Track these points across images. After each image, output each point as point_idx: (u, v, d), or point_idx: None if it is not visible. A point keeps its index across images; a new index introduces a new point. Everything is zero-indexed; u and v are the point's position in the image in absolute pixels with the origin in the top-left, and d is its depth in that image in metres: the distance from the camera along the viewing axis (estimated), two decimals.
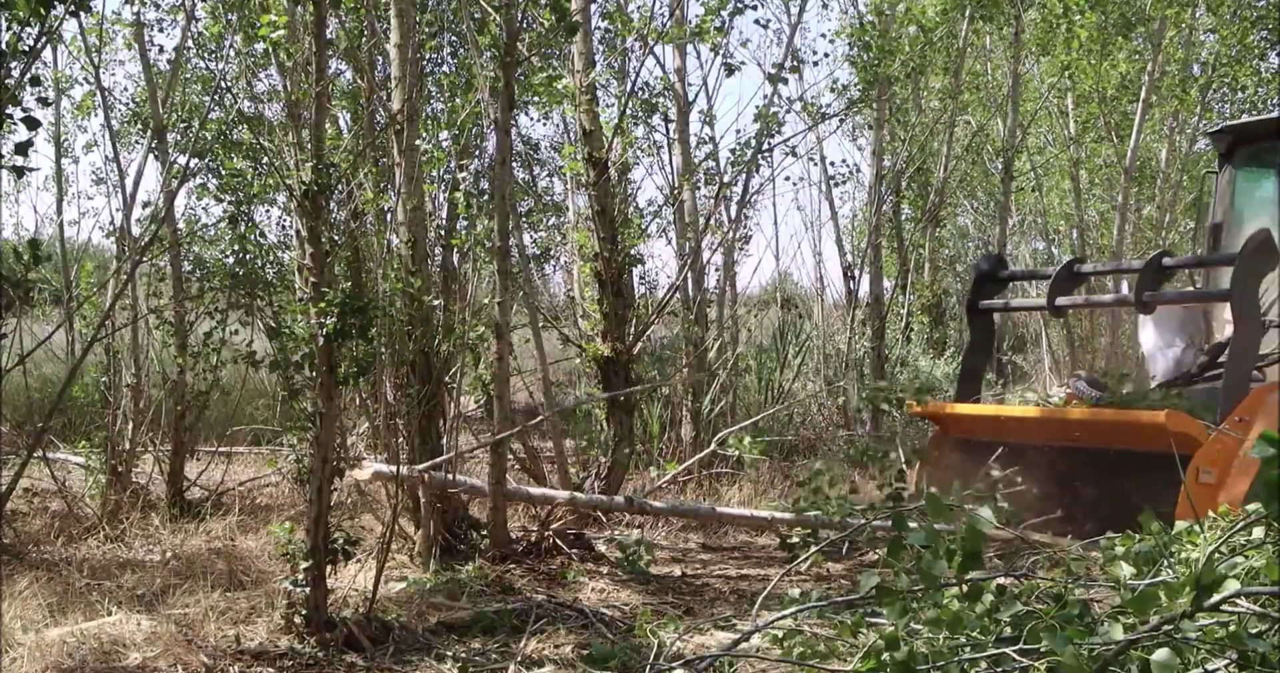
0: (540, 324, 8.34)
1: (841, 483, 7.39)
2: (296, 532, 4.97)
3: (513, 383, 7.15)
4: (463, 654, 4.75)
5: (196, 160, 8.16)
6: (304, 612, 4.78)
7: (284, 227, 9.41)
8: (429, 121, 7.74)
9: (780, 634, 3.81)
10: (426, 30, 7.58)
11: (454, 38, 8.65)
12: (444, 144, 7.10)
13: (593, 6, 8.61)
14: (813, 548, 5.95)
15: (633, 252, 8.14)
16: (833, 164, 18.07)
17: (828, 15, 30.04)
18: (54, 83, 10.45)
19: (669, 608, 5.71)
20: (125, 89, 10.97)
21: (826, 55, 19.97)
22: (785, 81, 10.00)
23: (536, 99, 9.18)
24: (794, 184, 20.54)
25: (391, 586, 5.62)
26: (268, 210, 9.45)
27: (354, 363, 4.92)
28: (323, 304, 4.67)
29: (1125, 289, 7.65)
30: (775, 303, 15.47)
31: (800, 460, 10.15)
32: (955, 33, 12.34)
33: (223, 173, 8.21)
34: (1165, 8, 12.59)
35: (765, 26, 24.25)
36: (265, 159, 6.09)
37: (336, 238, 6.36)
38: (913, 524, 3.34)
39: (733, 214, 10.27)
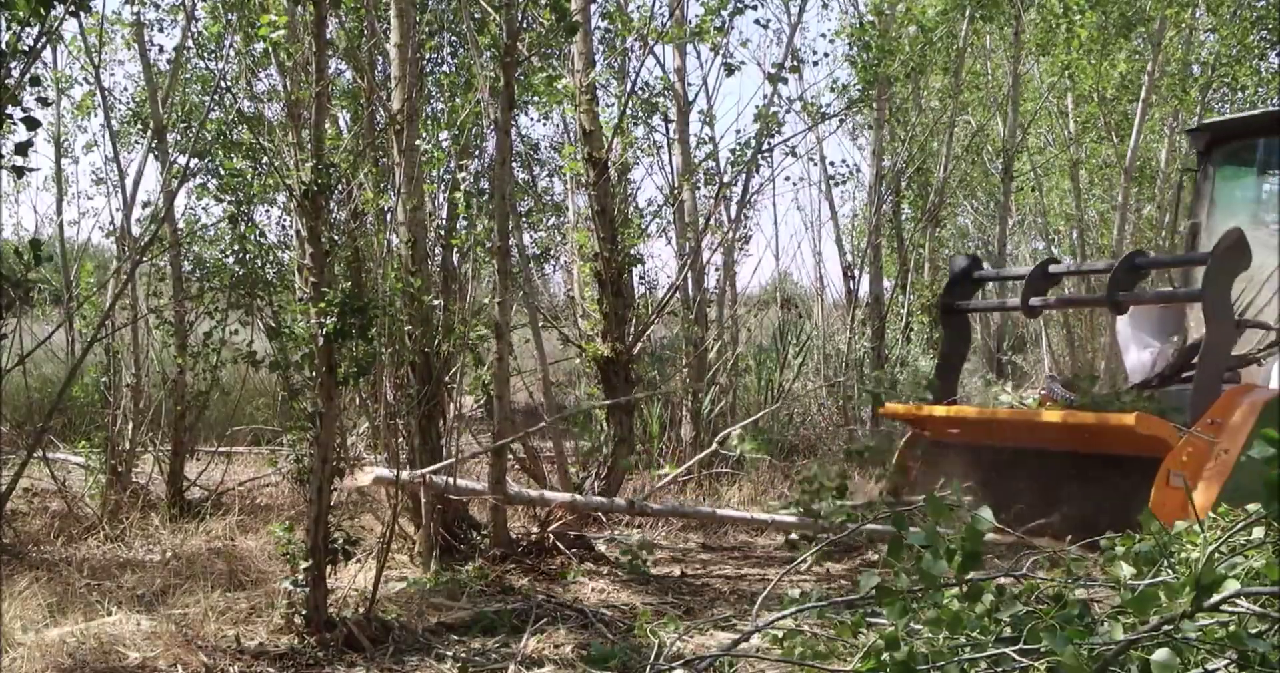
0: (540, 324, 8.34)
1: (840, 482, 7.37)
2: (296, 532, 4.97)
3: (513, 383, 7.15)
4: (463, 654, 4.75)
5: (196, 160, 8.16)
6: (304, 612, 4.78)
7: (284, 227, 9.41)
8: (429, 121, 7.74)
9: (780, 634, 3.82)
10: (426, 30, 7.58)
11: (454, 38, 8.66)
12: (444, 144, 7.10)
13: (593, 6, 8.61)
14: (813, 548, 5.94)
15: (633, 252, 8.14)
16: (833, 164, 18.03)
17: (828, 15, 30.05)
18: (54, 83, 10.45)
19: (669, 608, 5.71)
20: (125, 89, 10.98)
21: (826, 55, 19.97)
22: (785, 81, 10.00)
23: (536, 99, 9.18)
24: (794, 184, 20.52)
25: (391, 586, 5.62)
26: (268, 210, 9.46)
27: (354, 363, 4.92)
28: (323, 304, 4.67)
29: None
30: (775, 303, 15.47)
31: (800, 460, 10.15)
32: (955, 33, 12.34)
33: (223, 173, 8.21)
34: (1165, 8, 12.58)
35: (765, 26, 24.25)
36: (265, 159, 6.09)
37: (336, 238, 6.37)
38: (913, 529, 3.34)
39: (733, 214, 10.27)
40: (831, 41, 19.75)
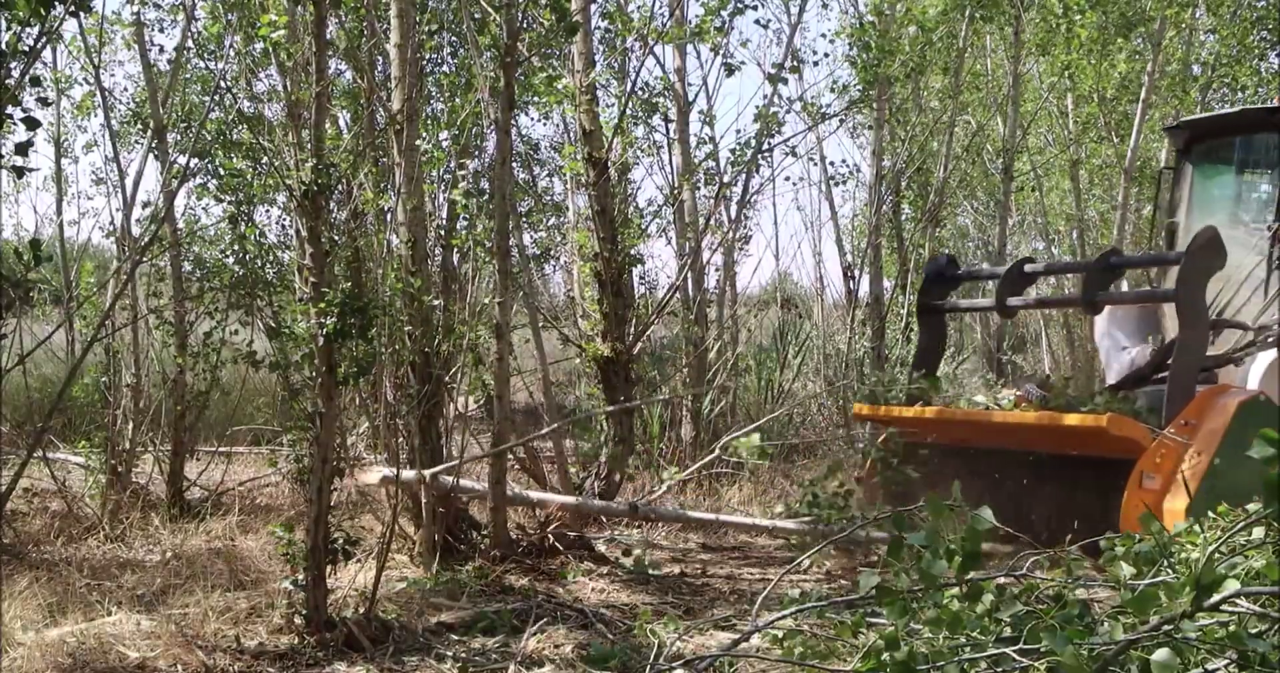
0: (540, 324, 8.34)
1: (839, 483, 7.32)
2: (296, 532, 4.97)
3: (513, 383, 7.15)
4: (463, 654, 4.75)
5: (196, 160, 8.16)
6: (304, 612, 4.79)
7: (284, 227, 9.41)
8: (429, 121, 7.74)
9: (780, 634, 3.81)
10: (426, 30, 7.58)
11: (454, 38, 8.65)
12: (444, 144, 7.10)
13: (593, 6, 8.61)
14: (814, 548, 5.93)
15: (633, 252, 8.14)
16: (833, 164, 18.06)
17: (828, 15, 30.06)
18: (54, 83, 10.44)
19: (669, 608, 5.71)
20: (125, 89, 10.98)
21: (826, 55, 19.97)
22: (785, 81, 9.99)
23: (537, 99, 9.18)
24: (794, 184, 20.53)
25: (391, 586, 5.62)
26: (268, 210, 9.46)
27: (354, 363, 4.92)
28: (323, 304, 4.67)
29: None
30: (775, 303, 15.47)
31: (800, 461, 10.15)
32: (955, 33, 12.33)
33: (223, 173, 8.21)
34: (1165, 8, 12.57)
35: (765, 26, 24.23)
36: (265, 159, 6.09)
37: (336, 238, 6.36)
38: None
39: (733, 214, 10.27)
40: (831, 41, 19.77)
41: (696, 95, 10.62)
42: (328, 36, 5.22)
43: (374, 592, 4.97)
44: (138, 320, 7.69)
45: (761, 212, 43.53)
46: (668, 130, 10.72)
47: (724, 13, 8.20)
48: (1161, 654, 2.70)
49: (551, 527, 6.66)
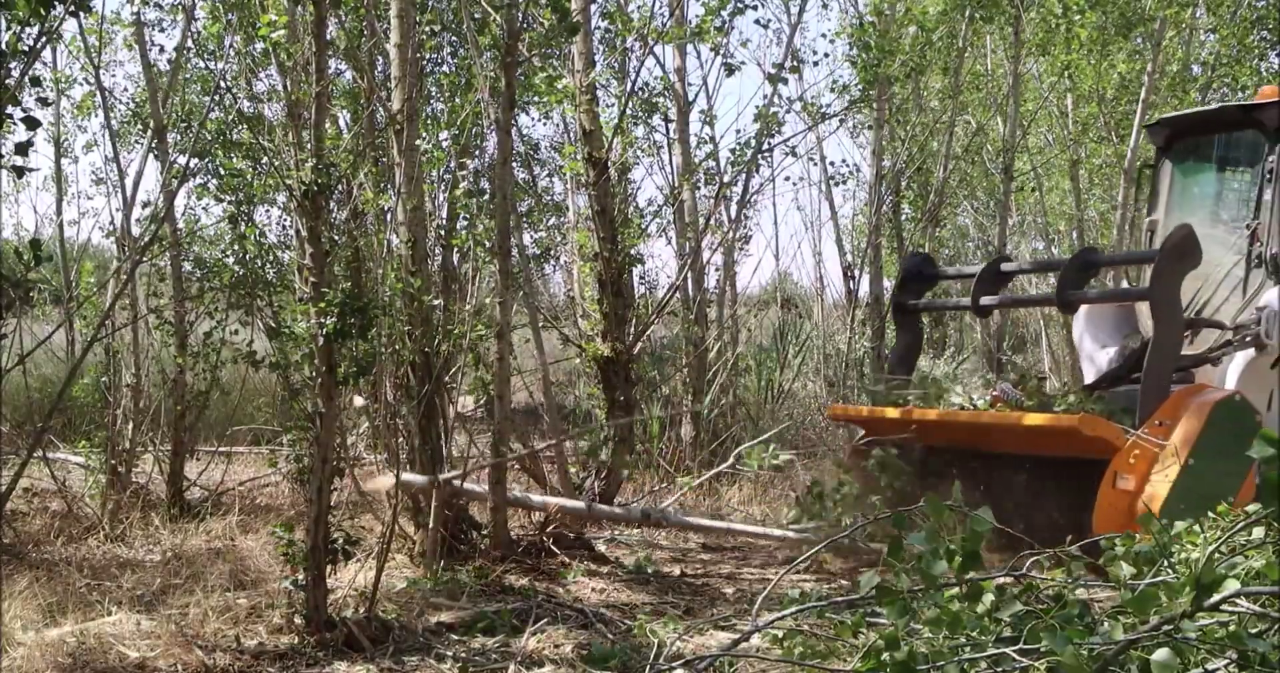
0: (540, 324, 8.35)
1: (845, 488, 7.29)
2: (296, 532, 4.97)
3: (513, 383, 7.15)
4: (463, 654, 4.75)
5: (196, 160, 8.16)
6: (304, 612, 4.78)
7: (284, 226, 9.42)
8: (429, 121, 7.74)
9: (780, 634, 3.81)
10: (427, 30, 7.58)
11: (454, 38, 8.66)
12: (444, 144, 7.10)
13: (593, 6, 8.62)
14: (814, 548, 5.91)
15: (633, 252, 8.15)
16: (833, 164, 18.06)
17: (828, 15, 30.11)
18: (54, 83, 10.45)
19: (669, 608, 5.71)
20: (125, 89, 10.99)
21: (826, 55, 20.02)
22: (785, 81, 10.00)
23: (537, 99, 9.18)
24: (794, 184, 20.58)
25: (392, 585, 5.61)
26: (268, 210, 9.46)
27: (354, 363, 4.92)
28: (323, 304, 4.67)
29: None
30: (775, 303, 15.47)
31: (801, 461, 10.14)
32: (955, 33, 12.33)
33: (223, 173, 8.21)
34: (1165, 8, 12.57)
35: (765, 26, 24.25)
36: (265, 159, 6.09)
37: (336, 238, 6.37)
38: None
39: (733, 214, 10.28)
40: (831, 41, 19.80)
41: (696, 95, 10.64)
42: (328, 36, 5.22)
43: (374, 592, 4.97)
44: (138, 320, 7.68)
45: (761, 212, 43.59)
46: (668, 130, 10.74)
47: (724, 13, 8.21)
48: (1161, 654, 2.69)
49: (551, 527, 6.65)
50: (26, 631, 4.71)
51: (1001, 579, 3.42)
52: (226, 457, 8.99)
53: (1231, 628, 2.85)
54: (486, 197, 7.94)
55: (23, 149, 3.97)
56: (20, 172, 4.09)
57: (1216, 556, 3.09)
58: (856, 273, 12.78)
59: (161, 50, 9.37)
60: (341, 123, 8.82)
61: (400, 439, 6.35)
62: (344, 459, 5.44)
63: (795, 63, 10.08)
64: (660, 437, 9.92)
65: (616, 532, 7.59)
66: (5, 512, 6.26)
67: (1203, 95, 14.43)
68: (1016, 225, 17.12)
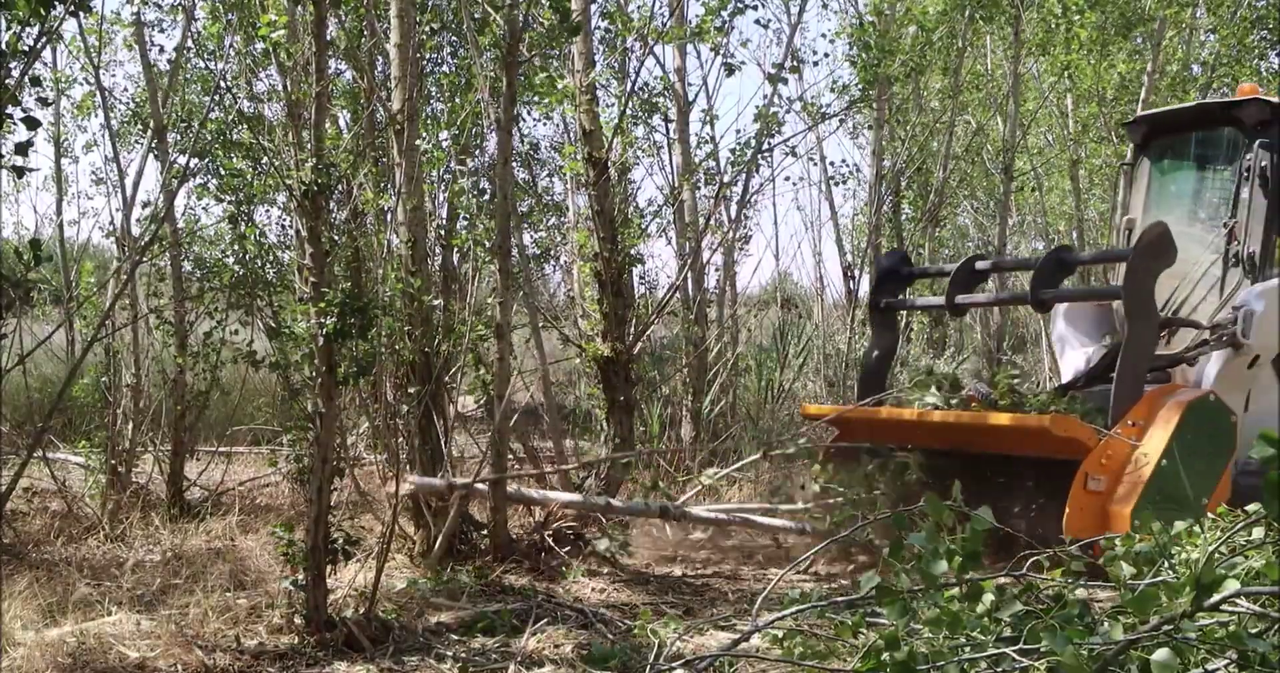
0: (540, 324, 8.34)
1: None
2: (296, 532, 4.97)
3: (513, 383, 7.14)
4: (463, 654, 4.75)
5: (196, 160, 8.16)
6: (304, 612, 4.78)
7: (284, 227, 9.42)
8: (429, 121, 7.74)
9: (780, 634, 3.81)
10: (426, 30, 7.58)
11: (454, 38, 8.66)
12: (444, 144, 7.10)
13: (593, 6, 8.62)
14: (814, 548, 5.91)
15: (633, 252, 8.14)
16: (833, 164, 18.06)
17: (828, 15, 30.07)
18: (54, 83, 10.45)
19: (669, 608, 5.71)
20: (125, 89, 10.99)
21: (826, 55, 20.06)
22: (785, 81, 10.00)
23: (537, 99, 9.18)
24: (794, 184, 20.57)
25: (391, 585, 5.62)
26: (268, 210, 9.46)
27: (354, 363, 4.92)
28: (323, 304, 4.67)
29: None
30: (775, 303, 15.47)
31: (801, 461, 10.12)
32: (955, 32, 12.34)
33: (223, 173, 8.21)
34: (1165, 8, 12.57)
35: (765, 26, 24.31)
36: (265, 159, 6.09)
37: (336, 238, 6.37)
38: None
39: (733, 214, 10.28)
40: (831, 41, 19.83)
41: (696, 95, 10.64)
42: (328, 36, 5.22)
43: (374, 592, 4.97)
44: (138, 320, 7.68)
45: (761, 212, 43.61)
46: (668, 130, 10.73)
47: (724, 13, 8.21)
48: (1161, 654, 2.69)
49: (552, 527, 6.65)
50: (26, 631, 4.71)
51: (1001, 579, 3.42)
52: (226, 457, 8.98)
53: (1231, 628, 2.85)
54: (486, 197, 7.94)
55: (23, 149, 3.98)
56: (20, 172, 4.09)
57: (1216, 556, 3.09)
58: (856, 273, 12.80)
59: (161, 50, 9.39)
60: (341, 123, 8.82)
61: (400, 439, 6.35)
62: (344, 459, 5.44)
63: (795, 63, 10.09)
64: (660, 437, 9.91)
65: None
66: (5, 512, 6.26)
67: (1203, 95, 14.43)
68: (1016, 225, 17.13)
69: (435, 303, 6.59)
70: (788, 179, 26.51)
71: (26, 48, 3.88)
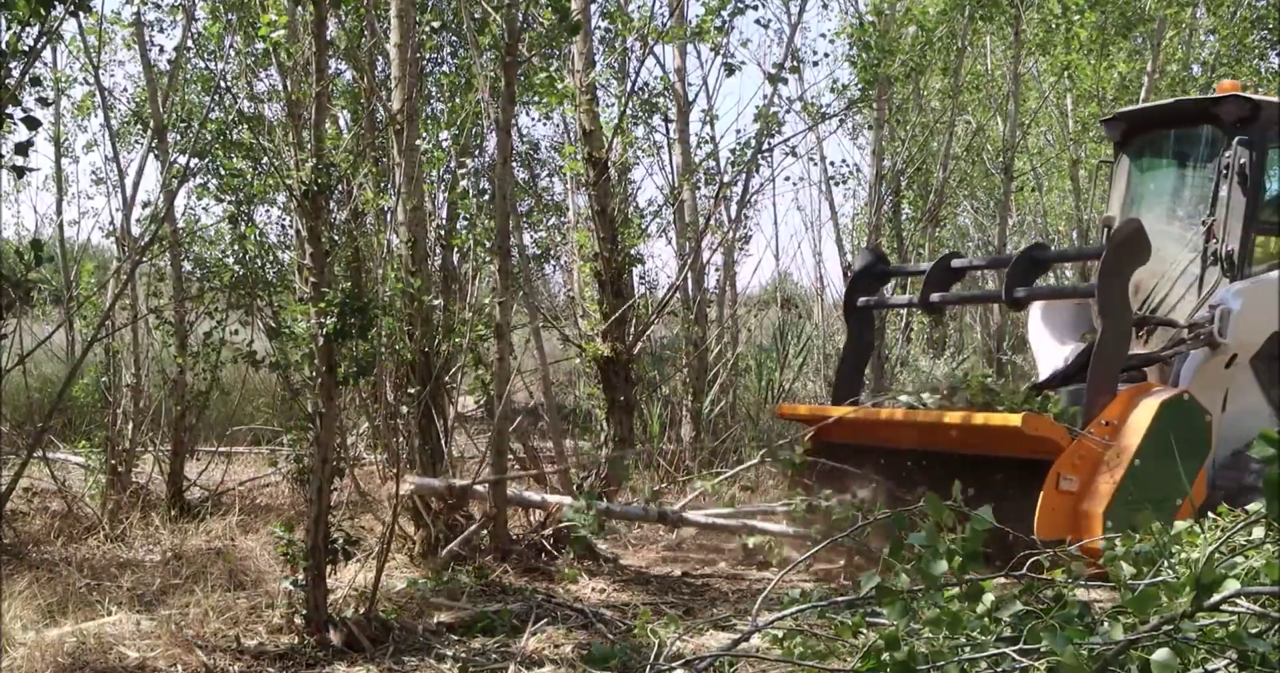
0: (540, 324, 8.34)
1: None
2: (296, 532, 4.97)
3: (513, 383, 7.14)
4: (463, 654, 4.75)
5: (196, 160, 8.16)
6: (304, 612, 4.78)
7: (284, 226, 9.43)
8: (429, 121, 7.75)
9: (780, 634, 3.81)
10: (426, 30, 7.58)
11: (454, 38, 8.66)
12: (444, 144, 7.10)
13: (593, 6, 8.63)
14: (814, 549, 5.91)
15: (633, 252, 8.15)
16: (833, 164, 18.07)
17: (828, 15, 30.13)
18: (54, 83, 10.45)
19: (669, 608, 5.71)
20: (125, 89, 11.00)
21: (826, 55, 20.01)
22: (785, 81, 10.01)
23: (537, 99, 9.18)
24: (794, 184, 20.62)
25: (391, 585, 5.61)
26: (268, 210, 9.47)
27: (354, 363, 4.92)
28: (323, 304, 4.67)
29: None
30: (775, 303, 15.47)
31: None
32: (955, 32, 12.34)
33: (223, 173, 8.21)
34: (1165, 8, 12.57)
35: (765, 26, 24.35)
36: (265, 159, 6.09)
37: (336, 238, 6.37)
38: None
39: (733, 214, 10.29)
40: (831, 41, 19.77)
41: (696, 95, 10.65)
42: (328, 36, 5.22)
43: (374, 592, 4.97)
44: (138, 320, 7.68)
45: (761, 212, 43.64)
46: (668, 130, 10.74)
47: (724, 13, 8.21)
48: (1161, 654, 2.69)
49: (551, 527, 6.65)
50: (26, 631, 4.71)
51: (1000, 580, 3.42)
52: (226, 457, 8.98)
53: (1231, 628, 2.85)
54: (486, 197, 7.94)
55: (23, 149, 3.98)
56: (20, 172, 4.09)
57: (1216, 556, 3.09)
58: None
59: (161, 50, 9.38)
60: (341, 123, 8.83)
61: (400, 439, 6.35)
62: (344, 459, 5.44)
63: (795, 63, 10.10)
64: (660, 437, 9.92)
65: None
66: (5, 512, 6.26)
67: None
68: (1016, 225, 17.11)
69: (435, 303, 6.59)
70: (788, 179, 26.59)
71: (26, 48, 3.88)
